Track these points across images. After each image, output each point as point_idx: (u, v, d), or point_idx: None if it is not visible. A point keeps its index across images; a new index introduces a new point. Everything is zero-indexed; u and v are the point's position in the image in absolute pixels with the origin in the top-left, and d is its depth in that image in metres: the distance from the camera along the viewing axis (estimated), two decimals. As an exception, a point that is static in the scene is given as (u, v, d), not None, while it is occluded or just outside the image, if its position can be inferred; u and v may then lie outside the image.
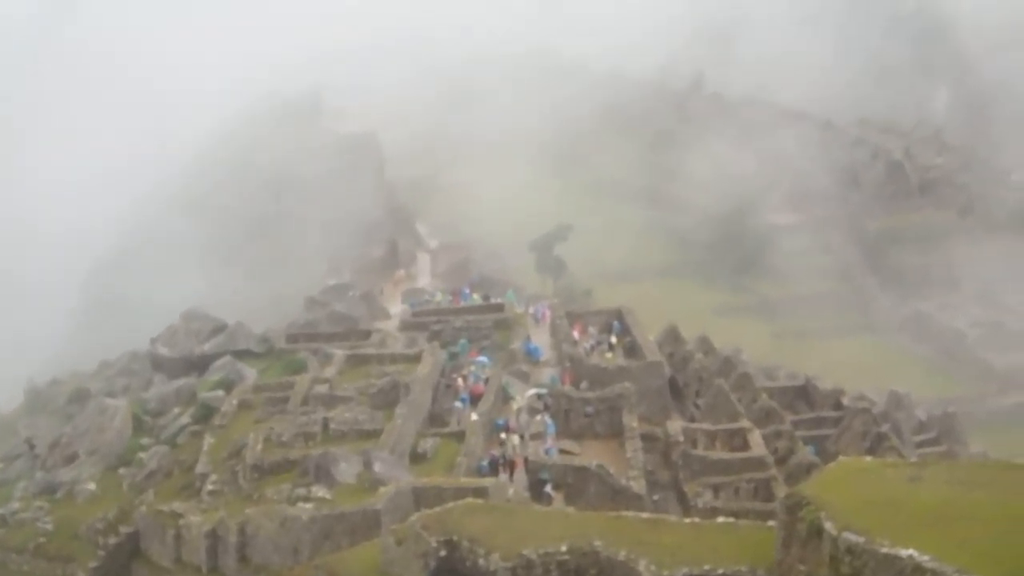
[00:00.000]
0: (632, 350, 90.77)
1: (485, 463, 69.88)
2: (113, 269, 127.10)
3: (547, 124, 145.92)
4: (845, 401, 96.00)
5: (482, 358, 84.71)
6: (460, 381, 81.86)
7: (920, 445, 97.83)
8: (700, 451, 75.74)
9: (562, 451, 71.46)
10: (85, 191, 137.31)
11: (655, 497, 68.61)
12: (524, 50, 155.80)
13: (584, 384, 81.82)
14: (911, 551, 36.53)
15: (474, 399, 77.16)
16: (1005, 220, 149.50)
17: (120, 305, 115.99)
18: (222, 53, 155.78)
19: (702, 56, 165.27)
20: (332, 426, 72.60)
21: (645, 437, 74.85)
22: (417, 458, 70.27)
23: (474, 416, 74.62)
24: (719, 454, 75.87)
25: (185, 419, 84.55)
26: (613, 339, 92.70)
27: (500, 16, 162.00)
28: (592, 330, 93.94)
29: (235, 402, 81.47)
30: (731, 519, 56.44)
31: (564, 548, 47.23)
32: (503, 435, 73.80)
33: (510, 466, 68.53)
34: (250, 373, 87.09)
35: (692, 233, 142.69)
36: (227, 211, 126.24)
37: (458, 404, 78.10)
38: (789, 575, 40.10)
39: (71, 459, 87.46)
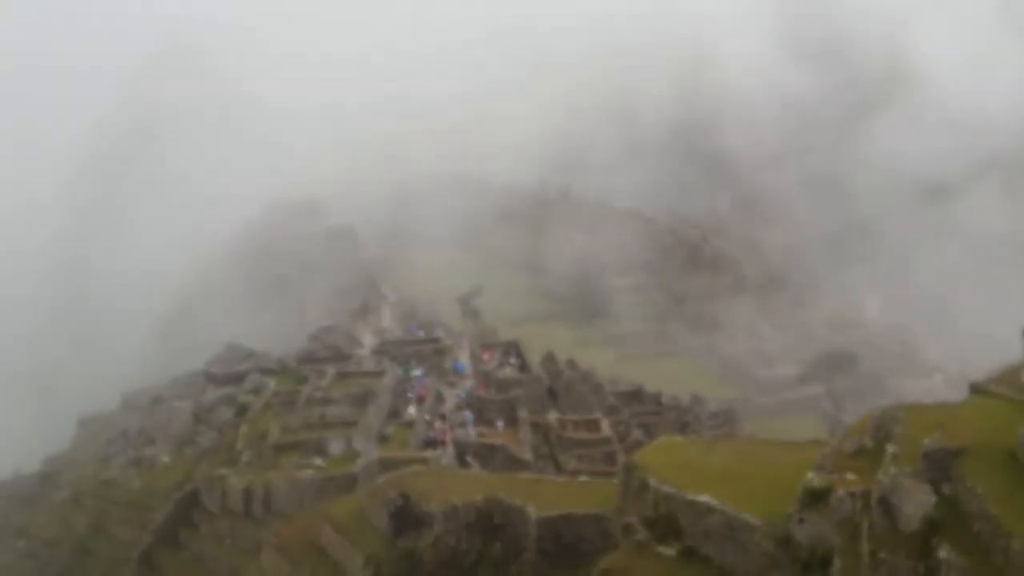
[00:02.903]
0: (523, 368, 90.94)
1: (431, 434, 69.90)
2: (179, 313, 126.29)
3: (464, 220, 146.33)
4: (663, 400, 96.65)
5: (417, 372, 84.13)
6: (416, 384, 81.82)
7: (711, 428, 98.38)
8: (568, 433, 75.97)
9: (478, 434, 71.47)
10: (164, 260, 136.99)
11: (539, 464, 68.65)
12: (449, 172, 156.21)
13: (492, 390, 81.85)
14: (706, 497, 36.78)
15: (419, 400, 77.00)
16: (761, 281, 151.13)
17: (183, 338, 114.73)
18: (248, 169, 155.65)
19: (568, 174, 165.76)
20: (326, 419, 72.25)
21: (532, 425, 74.98)
22: (382, 439, 69.98)
23: (412, 410, 74.59)
24: (580, 435, 76.14)
25: (228, 415, 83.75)
26: (514, 360, 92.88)
27: (433, 147, 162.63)
28: (496, 354, 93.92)
29: (261, 403, 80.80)
30: (589, 478, 56.80)
31: (479, 498, 47.30)
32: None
33: (443, 443, 68.50)
34: (271, 384, 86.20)
35: (560, 292, 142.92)
36: (266, 276, 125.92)
37: (411, 395, 77.91)
38: (626, 515, 40.17)
39: (151, 441, 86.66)
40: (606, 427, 78.26)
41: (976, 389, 35.99)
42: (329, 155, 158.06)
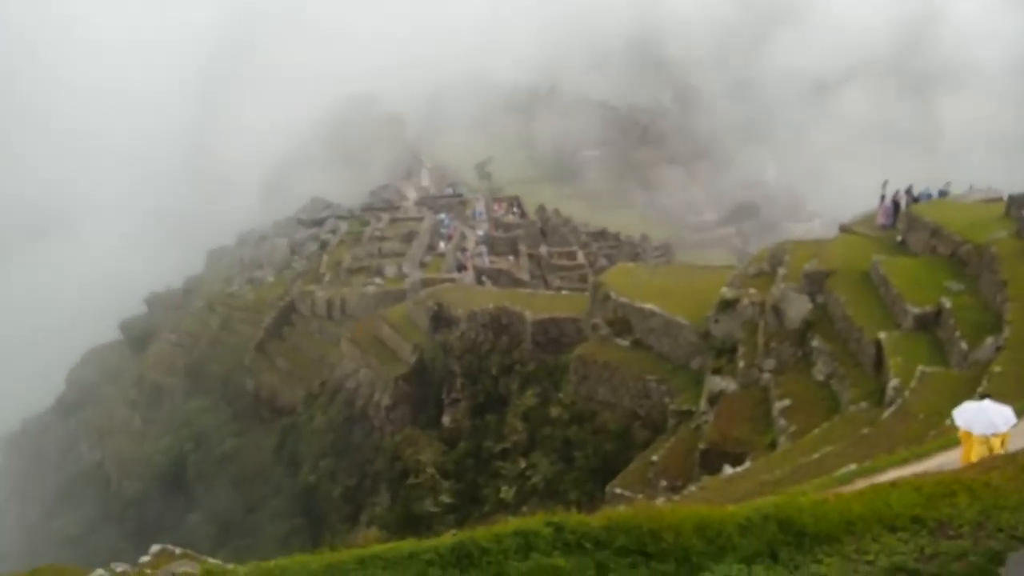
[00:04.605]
0: (522, 215, 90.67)
1: (458, 260, 70.21)
2: (278, 175, 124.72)
3: (479, 108, 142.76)
4: (620, 238, 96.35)
5: (442, 216, 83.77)
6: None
7: (654, 258, 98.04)
8: (554, 261, 76.21)
9: (491, 262, 71.73)
10: (266, 135, 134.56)
11: (533, 283, 69.11)
12: (467, 70, 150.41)
13: (500, 231, 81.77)
14: (650, 305, 37.13)
15: (449, 238, 77.01)
16: (691, 153, 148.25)
17: (281, 193, 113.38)
18: (329, 67, 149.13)
19: (554, 73, 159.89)
20: (382, 250, 72.39)
21: (528, 255, 75.15)
22: (423, 265, 70.23)
23: (443, 245, 74.64)
24: (563, 261, 76.39)
25: (314, 248, 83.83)
26: (516, 209, 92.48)
27: (454, 48, 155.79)
28: (504, 206, 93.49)
29: (337, 239, 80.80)
30: (568, 292, 57.21)
31: (491, 306, 47.71)
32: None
33: (466, 269, 68.78)
34: (344, 226, 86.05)
35: (548, 161, 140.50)
36: (340, 148, 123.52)
37: (443, 233, 77.76)
38: (594, 318, 40.62)
39: (260, 267, 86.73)
40: (580, 257, 78.45)
41: (843, 229, 36.00)
42: (384, 55, 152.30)
